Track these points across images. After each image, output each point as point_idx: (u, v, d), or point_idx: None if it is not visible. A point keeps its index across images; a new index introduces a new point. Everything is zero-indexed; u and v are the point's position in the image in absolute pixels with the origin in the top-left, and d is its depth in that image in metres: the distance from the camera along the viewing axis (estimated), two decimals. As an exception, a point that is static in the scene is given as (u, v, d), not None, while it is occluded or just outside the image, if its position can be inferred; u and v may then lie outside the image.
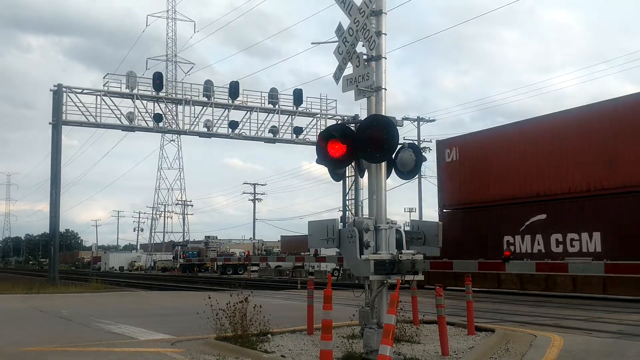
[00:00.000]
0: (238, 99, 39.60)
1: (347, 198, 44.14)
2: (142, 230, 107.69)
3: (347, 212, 43.47)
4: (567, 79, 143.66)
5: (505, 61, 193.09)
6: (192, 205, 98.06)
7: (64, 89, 36.13)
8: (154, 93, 38.15)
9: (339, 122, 38.64)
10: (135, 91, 37.66)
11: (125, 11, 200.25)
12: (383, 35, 9.25)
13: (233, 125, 39.43)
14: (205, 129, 39.47)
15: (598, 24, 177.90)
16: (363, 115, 9.90)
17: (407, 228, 9.93)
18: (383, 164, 9.09)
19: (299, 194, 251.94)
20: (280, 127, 40.65)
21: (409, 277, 8.79)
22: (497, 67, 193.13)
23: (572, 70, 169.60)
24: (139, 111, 37.91)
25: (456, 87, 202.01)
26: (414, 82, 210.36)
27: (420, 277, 8.90)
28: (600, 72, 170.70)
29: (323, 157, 9.16)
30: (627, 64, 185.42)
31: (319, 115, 41.58)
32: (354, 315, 10.44)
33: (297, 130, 41.01)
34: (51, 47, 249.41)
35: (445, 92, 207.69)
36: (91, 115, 36.66)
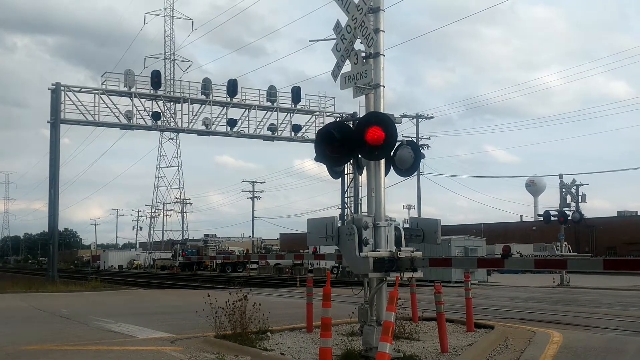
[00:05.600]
0: (236, 96, 39.50)
1: (345, 196, 44.12)
2: (141, 228, 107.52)
3: (346, 209, 43.45)
4: (554, 77, 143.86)
5: (491, 59, 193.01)
6: (191, 204, 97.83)
7: (62, 88, 36.05)
8: (152, 91, 38.05)
9: (338, 119, 38.59)
10: (133, 89, 37.55)
11: (109, 10, 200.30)
12: (381, 33, 9.22)
13: (231, 123, 39.35)
14: (203, 127, 39.41)
15: (581, 22, 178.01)
16: (361, 113, 9.89)
17: (406, 225, 9.92)
18: (382, 161, 9.08)
19: (296, 192, 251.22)
20: (279, 124, 40.60)
21: (408, 274, 8.78)
22: (482, 65, 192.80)
23: (557, 67, 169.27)
24: (137, 109, 37.84)
25: (443, 84, 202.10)
26: (399, 79, 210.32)
27: (420, 274, 8.89)
28: (586, 70, 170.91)
29: (322, 155, 9.15)
30: (614, 63, 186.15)
31: (317, 112, 41.53)
32: (353, 312, 10.45)
33: (296, 128, 40.96)
34: (36, 46, 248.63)
35: (431, 90, 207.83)
36: (89, 113, 36.56)
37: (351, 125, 9.36)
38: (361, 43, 9.39)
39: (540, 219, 42.79)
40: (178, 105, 38.90)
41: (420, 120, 52.00)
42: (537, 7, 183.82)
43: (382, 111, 9.01)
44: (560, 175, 38.54)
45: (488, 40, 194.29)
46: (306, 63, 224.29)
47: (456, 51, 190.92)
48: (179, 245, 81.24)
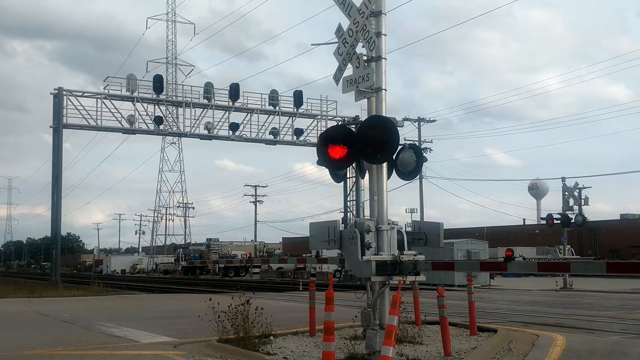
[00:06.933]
0: (238, 100, 39.55)
1: (348, 199, 44.11)
2: (143, 233, 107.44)
3: (349, 213, 43.42)
4: (553, 81, 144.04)
5: (490, 62, 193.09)
6: (193, 208, 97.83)
7: (64, 92, 36.10)
8: (154, 96, 38.09)
9: (340, 123, 38.58)
10: (135, 94, 37.61)
11: (107, 15, 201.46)
12: (383, 36, 9.22)
13: (234, 127, 39.39)
14: (206, 131, 39.43)
15: (579, 25, 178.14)
16: (363, 117, 9.89)
17: (409, 229, 9.92)
18: (384, 164, 9.07)
19: (298, 196, 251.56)
20: (281, 128, 40.62)
21: (410, 278, 8.77)
22: (481, 68, 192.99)
23: (556, 70, 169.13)
24: (139, 114, 37.85)
25: (441, 88, 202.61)
26: (398, 82, 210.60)
27: (422, 277, 8.88)
28: (586, 74, 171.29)
29: (324, 159, 9.15)
30: (612, 67, 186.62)
31: (319, 116, 41.54)
32: (355, 316, 10.44)
33: (298, 132, 40.96)
34: (35, 51, 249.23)
35: (430, 93, 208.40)
36: (92, 118, 36.61)
37: (353, 129, 9.36)
38: (363, 47, 9.40)
39: (543, 222, 42.72)
40: (180, 110, 38.96)
41: (422, 123, 52.02)
42: (535, 10, 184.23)
43: (384, 114, 9.01)
44: (563, 179, 38.53)
45: (487, 43, 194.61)
46: (305, 68, 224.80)
47: (455, 54, 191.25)
48: (181, 249, 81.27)
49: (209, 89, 39.31)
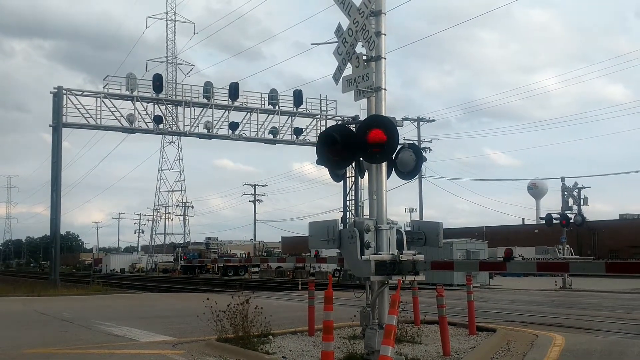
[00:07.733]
0: (238, 100, 39.54)
1: (347, 199, 44.11)
2: (142, 232, 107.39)
3: (348, 212, 43.42)
4: (552, 81, 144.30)
5: (489, 62, 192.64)
6: (192, 207, 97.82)
7: (64, 91, 36.07)
8: (154, 95, 38.06)
9: (339, 122, 38.55)
10: (135, 93, 37.57)
11: (106, 14, 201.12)
12: (382, 36, 9.23)
13: (233, 126, 39.36)
14: (205, 131, 39.39)
15: (578, 25, 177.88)
16: (363, 116, 9.89)
17: (408, 228, 9.92)
18: (383, 164, 9.08)
19: (298, 195, 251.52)
20: (281, 128, 40.59)
21: (409, 278, 8.77)
22: (480, 68, 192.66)
23: (555, 70, 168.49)
24: (139, 113, 37.81)
25: (440, 87, 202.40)
26: (396, 82, 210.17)
27: (422, 277, 8.89)
28: (585, 74, 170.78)
29: (323, 158, 9.15)
30: (611, 67, 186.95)
31: (319, 116, 41.50)
32: (355, 316, 10.45)
33: (297, 131, 40.94)
34: (34, 50, 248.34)
35: (428, 93, 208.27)
36: (91, 117, 36.57)
37: (353, 129, 9.36)
38: (362, 46, 9.40)
39: (542, 222, 42.76)
40: (180, 109, 38.91)
41: (421, 123, 52.01)
42: (534, 10, 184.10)
43: (383, 114, 9.01)
44: (562, 179, 38.53)
45: (485, 43, 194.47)
46: (304, 67, 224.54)
47: (453, 54, 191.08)
48: (180, 248, 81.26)
49: (208, 88, 39.28)
